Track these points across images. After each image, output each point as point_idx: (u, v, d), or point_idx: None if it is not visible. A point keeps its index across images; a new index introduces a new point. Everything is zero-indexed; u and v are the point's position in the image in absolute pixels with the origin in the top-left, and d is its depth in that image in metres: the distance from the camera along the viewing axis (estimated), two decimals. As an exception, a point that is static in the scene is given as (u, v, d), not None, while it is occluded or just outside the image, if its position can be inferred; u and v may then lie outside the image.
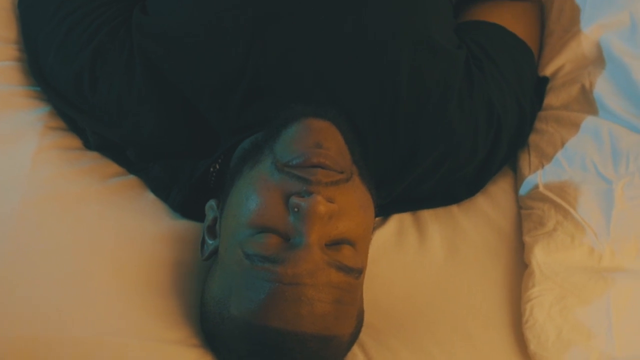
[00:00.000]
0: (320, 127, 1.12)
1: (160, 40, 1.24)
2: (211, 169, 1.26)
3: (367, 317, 1.20)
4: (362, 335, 1.21)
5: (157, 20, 1.26)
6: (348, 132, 1.15)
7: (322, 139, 1.10)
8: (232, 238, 1.10)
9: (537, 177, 1.35)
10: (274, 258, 1.05)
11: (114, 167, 1.35)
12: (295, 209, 1.05)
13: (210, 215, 1.20)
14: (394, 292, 1.31)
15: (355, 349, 1.24)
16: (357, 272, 1.09)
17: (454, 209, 1.39)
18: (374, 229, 1.27)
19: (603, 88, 1.35)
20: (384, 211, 1.35)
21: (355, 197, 1.11)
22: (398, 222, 1.37)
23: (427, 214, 1.38)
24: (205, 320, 1.16)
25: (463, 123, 1.27)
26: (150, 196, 1.32)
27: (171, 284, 1.23)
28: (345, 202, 1.09)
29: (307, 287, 1.04)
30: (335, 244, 1.08)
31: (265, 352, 1.07)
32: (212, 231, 1.19)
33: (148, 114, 1.26)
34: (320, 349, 1.07)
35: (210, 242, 1.18)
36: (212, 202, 1.21)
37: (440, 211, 1.38)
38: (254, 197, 1.09)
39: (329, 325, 1.06)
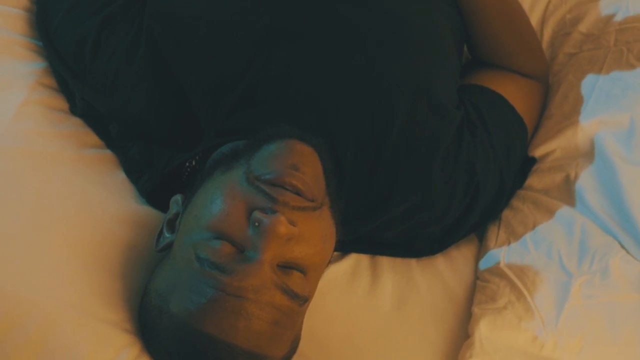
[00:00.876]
0: (302, 150, 1.12)
1: (170, 26, 1.25)
2: (187, 164, 1.26)
3: (302, 346, 1.20)
4: (293, 363, 1.22)
5: (171, 6, 1.27)
6: (328, 162, 1.16)
7: (300, 163, 1.10)
8: (188, 237, 1.10)
9: (501, 252, 1.35)
10: (224, 267, 1.05)
11: (94, 138, 1.35)
12: (256, 224, 1.05)
13: (173, 209, 1.20)
14: (334, 328, 1.31)
15: (282, 374, 1.23)
16: (302, 300, 1.09)
17: (413, 262, 1.39)
18: (330, 262, 1.27)
19: (587, 183, 1.35)
20: (343, 248, 1.35)
21: (319, 227, 1.11)
22: (355, 261, 1.37)
23: (385, 261, 1.38)
24: (144, 309, 1.15)
25: (442, 182, 1.27)
26: (121, 175, 1.32)
27: (119, 265, 1.23)
28: (307, 229, 1.09)
29: (249, 302, 1.04)
30: (288, 267, 1.08)
31: (193, 356, 1.07)
32: (171, 225, 1.19)
33: (141, 93, 1.26)
34: None
35: (167, 235, 1.18)
36: (178, 197, 1.21)
37: (399, 261, 1.38)
38: (219, 202, 1.09)
39: (262, 344, 1.06)
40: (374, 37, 1.24)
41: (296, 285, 1.08)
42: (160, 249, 1.18)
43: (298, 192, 1.08)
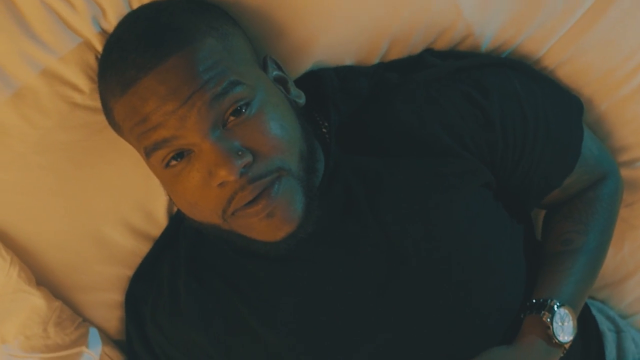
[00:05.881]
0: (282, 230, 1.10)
1: None
2: (326, 125, 1.23)
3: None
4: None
5: None
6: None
7: (279, 214, 1.09)
8: (258, 79, 1.11)
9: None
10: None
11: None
12: (240, 152, 1.04)
13: (292, 89, 1.19)
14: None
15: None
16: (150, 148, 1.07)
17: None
18: None
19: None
20: None
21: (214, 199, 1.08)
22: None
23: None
24: None
25: None
26: None
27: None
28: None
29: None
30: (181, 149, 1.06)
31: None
32: (281, 79, 1.18)
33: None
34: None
35: (272, 70, 1.17)
36: (303, 98, 1.19)
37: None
38: (279, 128, 1.08)
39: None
40: None
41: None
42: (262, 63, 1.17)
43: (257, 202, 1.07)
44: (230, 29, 1.12)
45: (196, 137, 1.04)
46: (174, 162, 1.07)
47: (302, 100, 1.19)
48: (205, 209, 1.09)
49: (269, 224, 1.08)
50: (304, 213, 1.09)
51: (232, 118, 1.06)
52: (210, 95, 1.04)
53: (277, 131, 1.07)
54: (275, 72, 1.17)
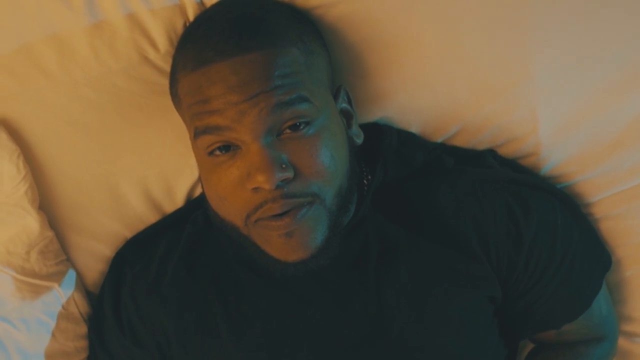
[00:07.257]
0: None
1: None
2: (369, 178, 1.24)
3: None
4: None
5: None
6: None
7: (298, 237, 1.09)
8: (326, 104, 1.11)
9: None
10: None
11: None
12: (284, 165, 1.05)
13: (353, 114, 1.19)
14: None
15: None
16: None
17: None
18: None
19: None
20: None
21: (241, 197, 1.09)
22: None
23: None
24: None
25: None
26: None
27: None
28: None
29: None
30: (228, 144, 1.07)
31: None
32: (348, 114, 1.18)
33: None
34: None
35: (342, 103, 1.18)
36: (361, 136, 1.20)
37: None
38: (328, 154, 1.08)
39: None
40: None
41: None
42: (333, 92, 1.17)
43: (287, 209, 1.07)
44: (317, 48, 1.13)
45: (248, 136, 1.04)
46: (218, 152, 1.07)
47: (360, 140, 1.19)
48: (231, 208, 1.09)
49: (285, 243, 1.08)
50: (322, 245, 1.09)
51: (288, 131, 1.06)
52: (276, 100, 1.04)
53: (325, 159, 1.07)
54: (344, 105, 1.18)
